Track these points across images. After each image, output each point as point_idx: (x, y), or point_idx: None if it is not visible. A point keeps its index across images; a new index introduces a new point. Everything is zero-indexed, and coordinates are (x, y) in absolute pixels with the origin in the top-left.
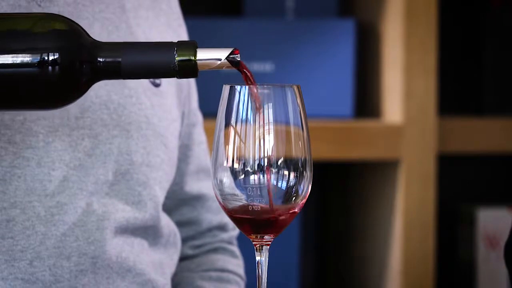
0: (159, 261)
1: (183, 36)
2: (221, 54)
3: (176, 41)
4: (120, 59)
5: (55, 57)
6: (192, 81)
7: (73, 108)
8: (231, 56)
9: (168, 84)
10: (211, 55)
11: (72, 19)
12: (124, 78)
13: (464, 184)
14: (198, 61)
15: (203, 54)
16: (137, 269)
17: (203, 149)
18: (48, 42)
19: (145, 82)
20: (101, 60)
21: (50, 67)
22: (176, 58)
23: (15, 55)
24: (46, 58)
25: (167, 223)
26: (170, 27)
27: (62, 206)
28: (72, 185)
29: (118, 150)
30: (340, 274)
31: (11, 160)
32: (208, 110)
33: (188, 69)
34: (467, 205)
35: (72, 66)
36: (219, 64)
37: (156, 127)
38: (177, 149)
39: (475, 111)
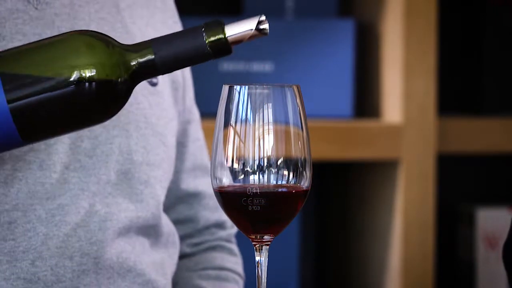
0: (160, 261)
1: None
2: (250, 24)
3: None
4: (153, 57)
5: (92, 74)
6: (187, 79)
7: None
8: (261, 25)
9: (164, 83)
10: (240, 29)
11: (69, 20)
12: (163, 74)
13: (463, 184)
14: (228, 38)
15: (231, 30)
16: (137, 269)
17: (199, 146)
18: (82, 60)
19: (142, 82)
20: (135, 63)
21: (87, 85)
22: (207, 41)
23: (54, 80)
24: (83, 76)
25: (166, 222)
26: (166, 25)
27: (63, 208)
28: (73, 187)
29: (119, 150)
30: (340, 274)
31: (13, 163)
32: (208, 110)
33: (221, 48)
34: (466, 205)
35: (109, 80)
36: (251, 35)
37: (155, 126)
38: (175, 148)
39: (475, 111)
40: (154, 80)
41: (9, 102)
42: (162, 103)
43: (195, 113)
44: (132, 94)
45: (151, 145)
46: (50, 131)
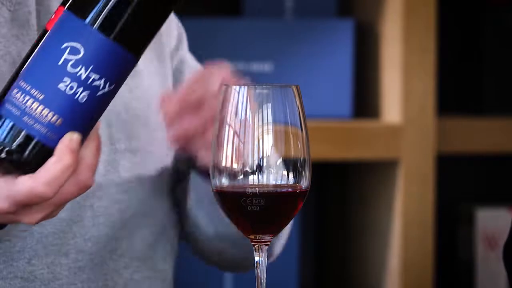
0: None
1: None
2: None
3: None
4: None
5: None
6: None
7: None
8: None
9: (147, 61)
10: None
11: (44, 16)
12: None
13: (463, 184)
14: None
15: None
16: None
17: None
18: None
19: None
20: None
21: None
22: None
23: None
24: None
25: (161, 207)
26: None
27: None
28: None
29: (103, 141)
30: (339, 273)
31: None
32: None
33: None
34: (466, 205)
35: None
36: None
37: (136, 110)
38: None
39: (475, 111)
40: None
41: (115, 38)
42: (142, 84)
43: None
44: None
45: (133, 131)
46: (150, 32)
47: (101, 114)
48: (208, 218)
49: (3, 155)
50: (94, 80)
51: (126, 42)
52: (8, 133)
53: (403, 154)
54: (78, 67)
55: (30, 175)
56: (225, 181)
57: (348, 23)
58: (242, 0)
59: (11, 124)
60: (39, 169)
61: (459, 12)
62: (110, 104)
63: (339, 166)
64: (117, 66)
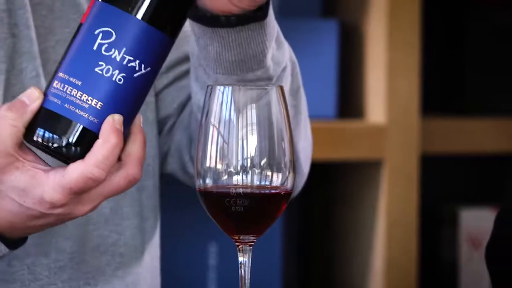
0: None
1: None
2: None
3: None
4: None
5: None
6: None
7: None
8: None
9: None
10: None
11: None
12: None
13: (447, 184)
14: None
15: None
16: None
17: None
18: None
19: None
20: None
21: None
22: None
23: None
24: None
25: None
26: None
27: None
28: None
29: None
30: (323, 274)
31: None
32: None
33: None
34: (450, 206)
35: None
36: None
37: None
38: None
39: (459, 112)
40: None
41: (143, 18)
42: None
43: None
44: None
45: None
46: (181, 11)
47: (143, 98)
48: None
49: (50, 145)
50: (129, 61)
51: (156, 23)
52: (52, 123)
53: (387, 155)
54: (111, 50)
55: (80, 161)
56: (209, 182)
57: (333, 23)
58: None
59: (54, 113)
60: (88, 154)
61: (443, 11)
62: None
63: (324, 166)
64: (150, 47)
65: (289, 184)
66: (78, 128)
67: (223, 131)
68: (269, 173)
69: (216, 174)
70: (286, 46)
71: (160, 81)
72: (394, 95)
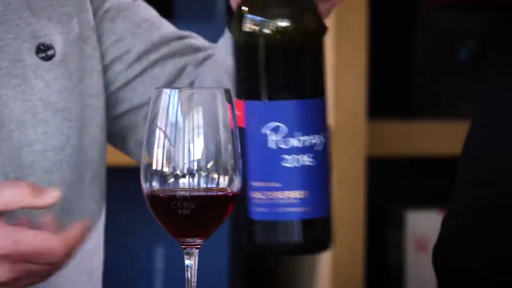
0: None
1: None
2: None
3: None
4: None
5: None
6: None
7: None
8: None
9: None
10: None
11: None
12: None
13: (393, 187)
14: None
15: None
16: None
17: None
18: None
19: (33, 63)
20: None
21: None
22: None
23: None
24: None
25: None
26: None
27: None
28: None
29: (19, 144)
30: (270, 278)
31: None
32: None
33: None
34: (396, 208)
35: None
36: None
37: (55, 104)
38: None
39: (406, 115)
40: (50, 52)
41: (298, 97)
42: (64, 73)
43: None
44: (23, 82)
45: (53, 127)
46: (317, 72)
47: (331, 160)
48: None
49: (281, 250)
50: (308, 141)
51: (309, 93)
52: (274, 231)
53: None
54: (288, 140)
55: None
56: (155, 184)
57: None
58: (173, 4)
59: (271, 222)
60: None
61: (390, 14)
62: (26, 104)
63: None
64: (317, 117)
65: (235, 186)
66: (298, 224)
67: (170, 134)
68: (215, 175)
69: (163, 177)
70: None
71: (130, 71)
72: (341, 98)
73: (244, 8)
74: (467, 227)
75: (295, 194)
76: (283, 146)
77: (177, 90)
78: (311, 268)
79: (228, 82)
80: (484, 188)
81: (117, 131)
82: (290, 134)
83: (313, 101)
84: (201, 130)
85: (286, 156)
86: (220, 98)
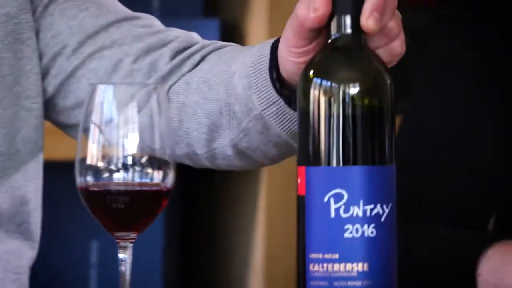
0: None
1: None
2: None
3: None
4: None
5: None
6: None
7: None
8: None
9: None
10: None
11: None
12: None
13: None
14: None
15: None
16: None
17: None
18: None
19: None
20: None
21: None
22: None
23: None
24: None
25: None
26: None
27: None
28: None
29: None
30: (204, 271)
31: None
32: None
33: None
34: None
35: None
36: None
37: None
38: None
39: None
40: None
41: (362, 163)
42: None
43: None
44: None
45: None
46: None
47: (396, 232)
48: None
49: None
50: (371, 210)
51: (364, 160)
52: None
53: None
54: (350, 209)
55: None
56: (90, 179)
57: (214, 22)
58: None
59: None
60: None
61: None
62: None
63: None
64: (382, 185)
65: (169, 181)
66: None
67: (104, 130)
68: (150, 170)
69: (97, 172)
70: None
71: (69, 65)
72: None
73: (311, 72)
74: None
75: (355, 267)
76: (344, 214)
77: (112, 86)
78: (245, 261)
79: None
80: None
81: (74, 124)
82: (353, 202)
83: (379, 168)
84: (136, 126)
85: (348, 226)
86: (155, 93)
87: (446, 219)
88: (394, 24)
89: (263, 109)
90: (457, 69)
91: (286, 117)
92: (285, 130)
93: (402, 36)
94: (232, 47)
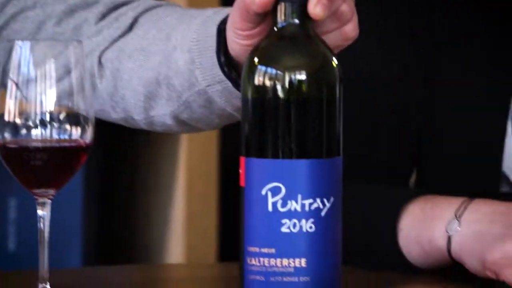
0: None
1: None
2: None
3: None
4: None
5: None
6: None
7: None
8: None
9: None
10: None
11: None
12: None
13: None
14: None
15: None
16: None
17: None
18: None
19: None
20: None
21: None
22: None
23: None
24: None
25: None
26: None
27: None
28: None
29: None
30: (123, 229)
31: None
32: None
33: None
34: None
35: None
36: None
37: None
38: None
39: None
40: None
41: (301, 156)
42: None
43: None
44: None
45: None
46: (317, 130)
47: (339, 228)
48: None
49: None
50: (310, 204)
51: (311, 153)
52: None
53: None
54: (287, 203)
55: None
56: (7, 136)
57: None
58: None
59: None
60: None
61: None
62: None
63: None
64: (321, 179)
65: (88, 137)
66: None
67: (22, 86)
68: (68, 127)
69: (15, 128)
70: None
71: None
72: None
73: (256, 59)
74: None
75: (292, 263)
76: (282, 208)
77: (29, 42)
78: (165, 218)
79: None
80: None
81: None
82: (291, 197)
83: (321, 161)
84: (53, 82)
85: (285, 220)
86: (72, 50)
87: (369, 176)
88: (347, 7)
89: (208, 86)
90: (369, 25)
91: (232, 96)
92: (231, 105)
93: (355, 20)
94: (163, 7)
